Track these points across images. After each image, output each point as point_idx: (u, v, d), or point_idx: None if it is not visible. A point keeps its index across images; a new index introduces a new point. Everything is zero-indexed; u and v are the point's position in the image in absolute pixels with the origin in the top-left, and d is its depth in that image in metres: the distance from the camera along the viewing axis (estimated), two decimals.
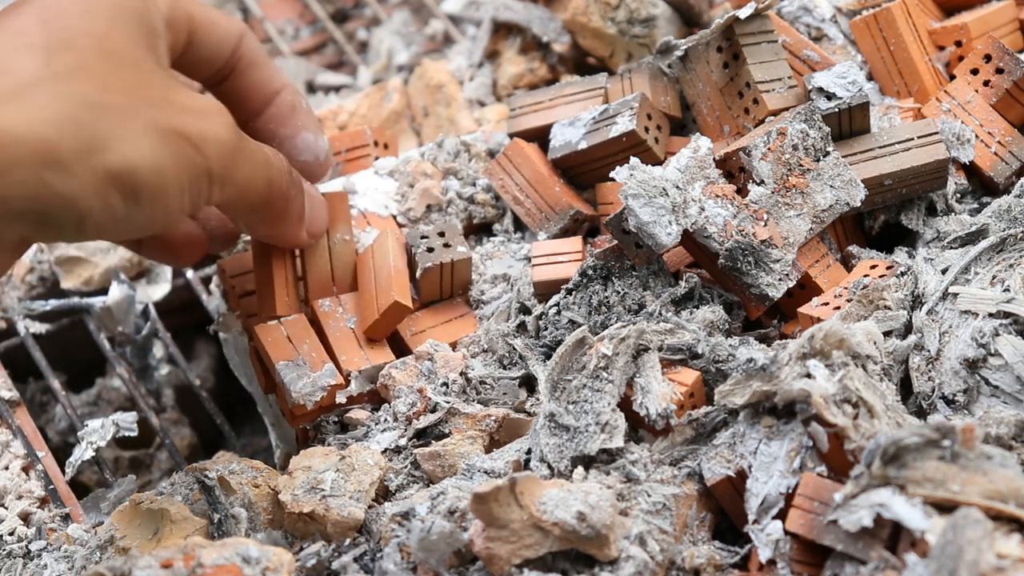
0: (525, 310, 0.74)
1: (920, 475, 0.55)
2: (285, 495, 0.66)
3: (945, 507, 0.54)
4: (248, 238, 0.78)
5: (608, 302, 0.71)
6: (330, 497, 0.65)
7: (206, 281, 0.90)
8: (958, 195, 0.74)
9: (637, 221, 0.68)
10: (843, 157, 0.72)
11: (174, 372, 0.92)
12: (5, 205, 0.55)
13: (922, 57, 0.78)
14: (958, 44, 0.79)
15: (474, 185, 0.82)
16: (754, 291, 0.69)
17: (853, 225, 0.75)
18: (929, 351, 0.65)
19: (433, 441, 0.69)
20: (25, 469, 0.76)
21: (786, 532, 0.58)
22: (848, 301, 0.67)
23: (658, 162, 0.74)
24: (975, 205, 0.74)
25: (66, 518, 0.73)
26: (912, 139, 0.72)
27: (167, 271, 0.89)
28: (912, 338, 0.65)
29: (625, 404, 0.65)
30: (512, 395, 0.71)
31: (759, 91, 0.75)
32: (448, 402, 0.70)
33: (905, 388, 0.66)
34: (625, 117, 0.76)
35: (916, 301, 0.67)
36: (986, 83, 0.76)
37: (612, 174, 0.69)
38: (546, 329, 0.72)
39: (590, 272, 0.72)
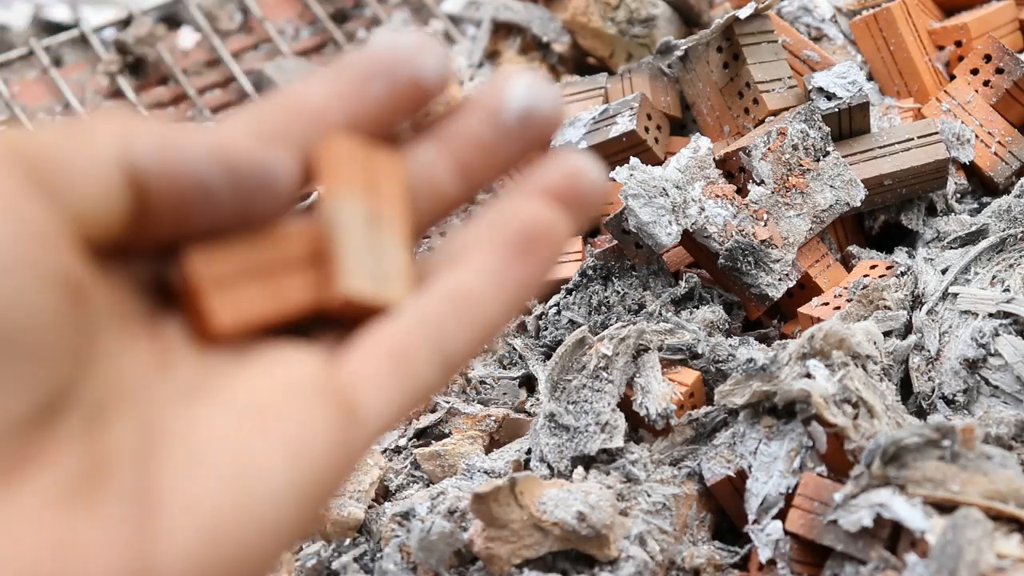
0: (525, 310, 0.74)
1: (920, 475, 0.55)
2: None
3: (945, 507, 0.54)
4: None
5: (608, 302, 0.71)
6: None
7: None
8: (958, 195, 0.74)
9: (637, 221, 0.68)
10: (843, 157, 0.72)
11: None
12: None
13: (922, 57, 0.78)
14: (958, 44, 0.79)
15: None
16: (754, 291, 0.69)
17: (853, 225, 0.75)
18: (929, 351, 0.65)
19: (433, 441, 0.69)
20: None
21: (786, 532, 0.58)
22: (848, 301, 0.67)
23: (658, 162, 0.74)
24: (975, 205, 0.74)
25: None
26: (912, 139, 0.72)
27: None
28: (912, 338, 0.65)
29: (625, 404, 0.65)
30: (512, 395, 0.71)
31: (759, 91, 0.75)
32: (448, 402, 0.70)
33: (905, 388, 0.65)
34: (625, 117, 0.76)
35: (916, 301, 0.67)
36: (986, 83, 0.76)
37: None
38: (546, 329, 0.72)
39: (590, 272, 0.72)
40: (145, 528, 0.31)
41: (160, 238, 0.35)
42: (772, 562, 0.58)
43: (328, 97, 0.36)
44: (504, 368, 0.72)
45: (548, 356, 0.71)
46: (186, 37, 1.05)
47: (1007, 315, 0.63)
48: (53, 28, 1.12)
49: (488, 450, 0.68)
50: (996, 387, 0.63)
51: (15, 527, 0.29)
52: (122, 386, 0.33)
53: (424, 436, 0.70)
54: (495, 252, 0.38)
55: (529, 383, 0.72)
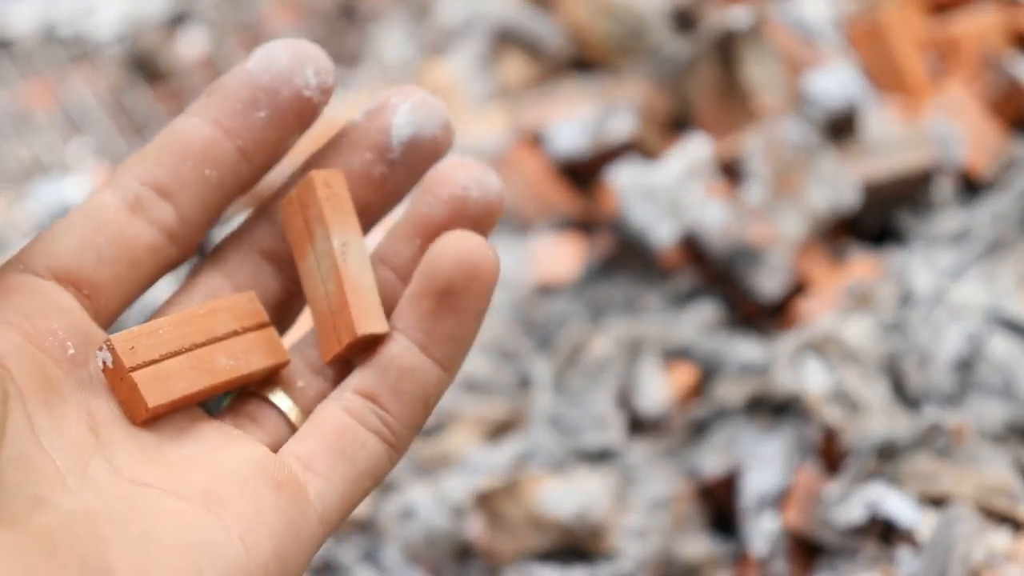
0: (525, 310, 0.75)
1: (912, 471, 0.55)
2: None
3: (937, 502, 0.55)
4: None
5: (607, 301, 0.71)
6: None
7: None
8: (951, 196, 0.75)
9: (636, 221, 0.68)
10: (838, 158, 0.72)
11: None
12: None
13: (916, 60, 0.79)
14: (951, 48, 0.80)
15: None
16: (751, 290, 0.70)
17: (848, 225, 0.75)
18: (922, 349, 0.65)
19: (434, 437, 0.69)
20: None
21: (781, 527, 0.59)
22: (842, 300, 0.68)
23: (657, 163, 0.75)
24: (967, 206, 0.75)
25: None
26: (905, 141, 0.73)
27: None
28: (905, 336, 0.66)
29: (623, 402, 0.65)
30: (512, 392, 0.72)
31: (756, 93, 0.75)
32: (448, 401, 0.70)
33: (898, 386, 0.66)
34: (624, 118, 0.77)
35: (909, 300, 0.68)
36: (978, 86, 0.77)
37: (612, 174, 0.70)
38: (546, 327, 0.72)
39: (589, 271, 0.72)
40: None
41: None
42: (767, 557, 0.59)
43: (213, 132, 0.35)
44: (504, 367, 0.73)
45: (547, 354, 0.71)
46: (192, 39, 1.06)
47: (998, 314, 0.64)
48: (57, 32, 1.12)
49: (488, 446, 0.69)
50: (987, 385, 0.63)
51: None
52: (57, 466, 0.32)
53: (425, 432, 0.70)
54: (417, 313, 0.35)
55: (529, 380, 0.72)
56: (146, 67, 1.02)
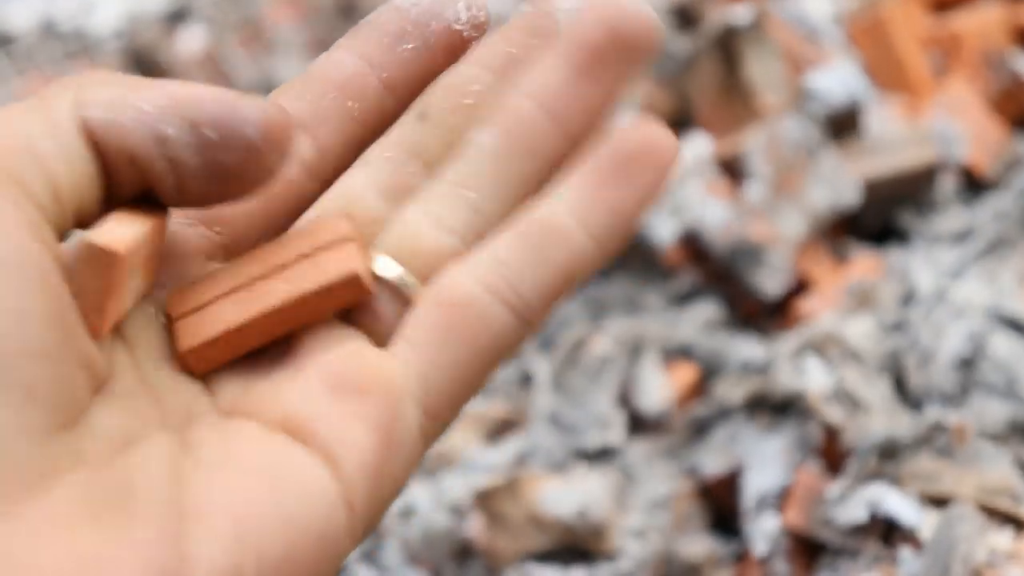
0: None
1: (914, 471, 0.55)
2: None
3: (939, 502, 0.55)
4: None
5: (607, 300, 0.71)
6: None
7: None
8: (953, 194, 0.75)
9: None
10: (839, 157, 0.72)
11: None
12: None
13: (918, 58, 0.79)
14: (953, 45, 0.80)
15: None
16: (752, 289, 0.70)
17: (849, 224, 0.75)
18: (923, 348, 0.65)
19: None
20: None
21: (782, 527, 0.59)
22: (844, 299, 0.68)
23: None
24: (969, 204, 0.75)
25: None
26: (907, 139, 0.73)
27: None
28: (907, 335, 0.66)
29: (624, 401, 0.65)
30: (512, 393, 0.72)
31: (757, 91, 0.76)
32: None
33: (899, 385, 0.66)
34: (624, 117, 0.77)
35: (911, 299, 0.68)
36: (980, 83, 0.77)
37: None
38: (546, 327, 0.73)
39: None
40: (177, 544, 0.27)
41: (128, 196, 0.30)
42: (768, 557, 0.59)
43: (357, 65, 0.34)
44: (504, 366, 0.73)
45: (548, 354, 0.71)
46: (191, 36, 1.06)
47: (1000, 313, 0.64)
48: (57, 28, 1.12)
49: (488, 446, 0.69)
50: (989, 384, 0.63)
51: (37, 540, 0.26)
52: (158, 407, 0.30)
53: None
54: (582, 178, 0.32)
55: (529, 381, 0.72)
56: (145, 64, 1.02)
